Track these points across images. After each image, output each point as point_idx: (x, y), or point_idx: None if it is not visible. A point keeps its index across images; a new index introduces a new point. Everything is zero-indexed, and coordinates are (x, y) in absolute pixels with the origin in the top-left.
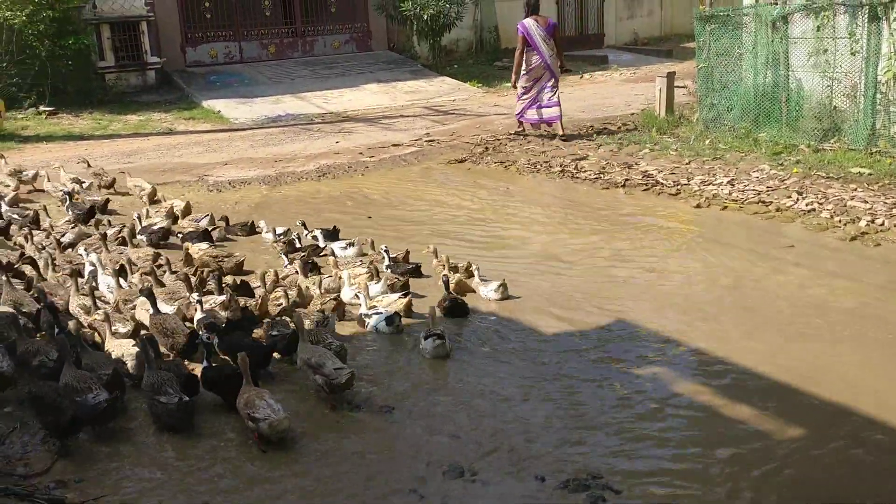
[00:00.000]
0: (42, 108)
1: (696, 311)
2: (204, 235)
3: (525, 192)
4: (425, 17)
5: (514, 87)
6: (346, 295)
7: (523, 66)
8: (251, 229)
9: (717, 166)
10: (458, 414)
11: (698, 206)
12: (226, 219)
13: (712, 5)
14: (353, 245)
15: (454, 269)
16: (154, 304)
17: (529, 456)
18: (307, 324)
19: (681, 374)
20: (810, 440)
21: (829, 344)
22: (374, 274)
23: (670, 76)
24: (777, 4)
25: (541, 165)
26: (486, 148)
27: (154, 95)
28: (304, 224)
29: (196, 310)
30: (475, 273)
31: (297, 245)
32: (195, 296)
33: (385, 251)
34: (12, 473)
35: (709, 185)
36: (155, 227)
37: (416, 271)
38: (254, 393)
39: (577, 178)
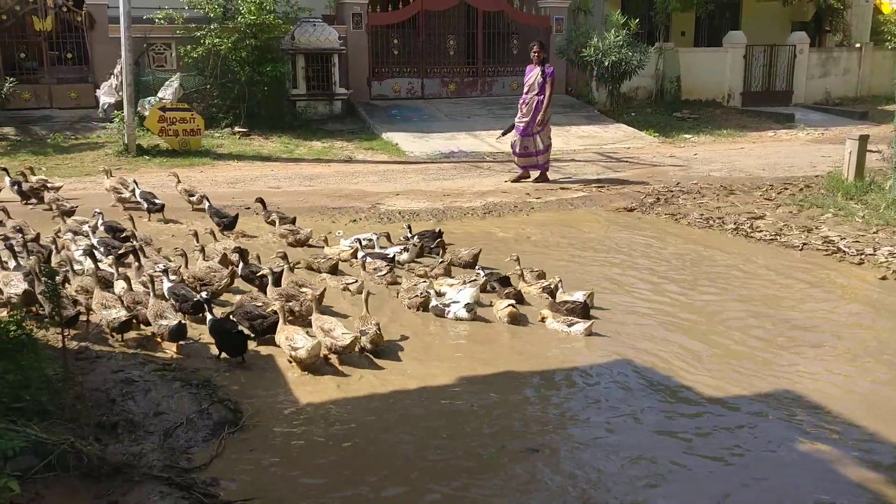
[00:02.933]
0: (237, 128)
1: (859, 391)
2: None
3: (690, 244)
4: (606, 63)
5: (542, 125)
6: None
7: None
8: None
9: None
10: (540, 461)
11: (884, 278)
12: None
13: None
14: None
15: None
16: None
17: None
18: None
19: (840, 456)
20: None
21: None
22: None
23: (863, 139)
24: None
25: (714, 221)
26: (658, 198)
27: (338, 124)
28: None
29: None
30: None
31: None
32: (160, 267)
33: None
34: (175, 465)
35: None
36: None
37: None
38: (291, 329)
39: (752, 237)
